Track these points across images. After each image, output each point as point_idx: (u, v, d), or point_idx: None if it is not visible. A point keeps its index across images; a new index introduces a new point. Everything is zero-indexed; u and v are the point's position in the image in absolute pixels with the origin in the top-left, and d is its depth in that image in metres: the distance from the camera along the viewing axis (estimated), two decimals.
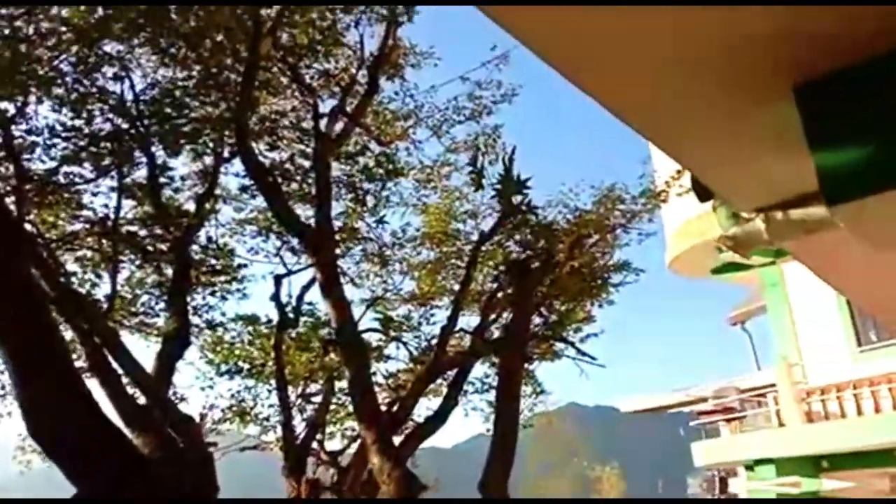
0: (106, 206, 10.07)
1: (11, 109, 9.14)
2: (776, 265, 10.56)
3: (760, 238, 3.74)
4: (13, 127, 9.01)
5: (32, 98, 9.19)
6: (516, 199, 7.88)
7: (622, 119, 2.92)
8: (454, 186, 11.91)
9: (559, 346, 11.75)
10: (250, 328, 10.87)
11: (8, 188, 8.92)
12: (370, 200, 10.82)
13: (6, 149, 8.71)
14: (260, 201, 10.65)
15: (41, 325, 4.75)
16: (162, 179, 9.62)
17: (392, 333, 11.40)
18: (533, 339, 10.36)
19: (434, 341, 11.46)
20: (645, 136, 3.28)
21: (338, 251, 9.97)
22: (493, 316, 10.54)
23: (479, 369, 11.58)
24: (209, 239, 10.09)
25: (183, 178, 10.65)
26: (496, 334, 10.98)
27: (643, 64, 2.58)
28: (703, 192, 3.83)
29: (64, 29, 8.98)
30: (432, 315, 11.81)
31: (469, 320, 11.21)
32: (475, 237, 10.80)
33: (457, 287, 11.84)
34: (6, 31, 8.79)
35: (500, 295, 10.22)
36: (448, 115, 11.21)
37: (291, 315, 10.05)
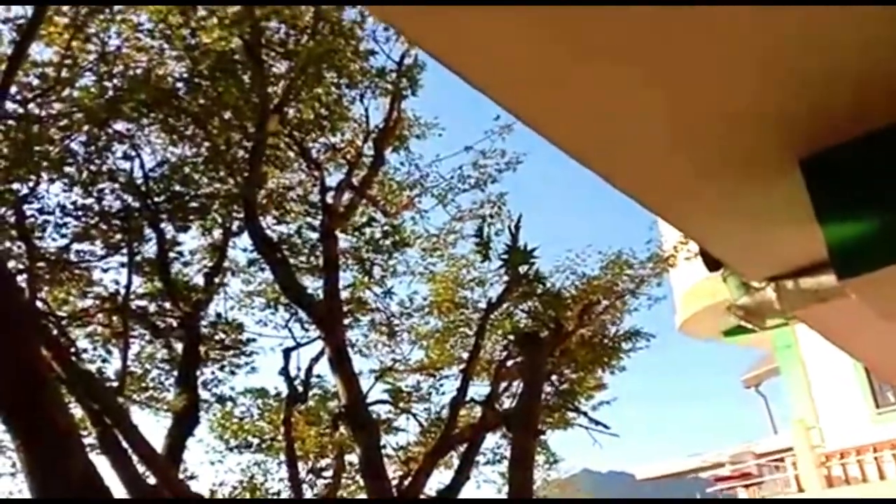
0: (116, 282, 10.16)
1: (24, 190, 9.32)
2: (789, 326, 10.47)
3: (772, 307, 3.71)
4: (25, 207, 9.17)
5: (45, 178, 9.39)
6: (523, 268, 7.92)
7: (627, 194, 2.95)
8: (460, 254, 11.99)
9: (571, 413, 11.56)
10: (259, 402, 10.76)
11: (20, 267, 9.00)
12: (377, 271, 10.87)
13: (19, 228, 8.83)
14: (268, 274, 10.70)
15: (48, 404, 4.71)
16: (171, 254, 9.72)
17: (402, 405, 11.25)
18: (545, 410, 10.20)
19: (444, 412, 11.29)
20: (651, 210, 3.30)
21: (346, 322, 9.95)
22: (503, 385, 10.41)
23: (491, 439, 11.39)
24: (218, 315, 10.11)
25: (192, 253, 10.78)
26: (507, 403, 10.83)
27: (647, 141, 2.63)
28: (711, 263, 3.83)
29: (75, 109, 9.24)
30: (441, 385, 11.69)
31: (478, 389, 11.09)
32: (483, 305, 10.78)
33: (466, 356, 11.77)
34: (20, 112, 9.04)
35: (509, 364, 10.12)
36: (453, 183, 11.37)
37: (301, 389, 9.96)
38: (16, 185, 9.12)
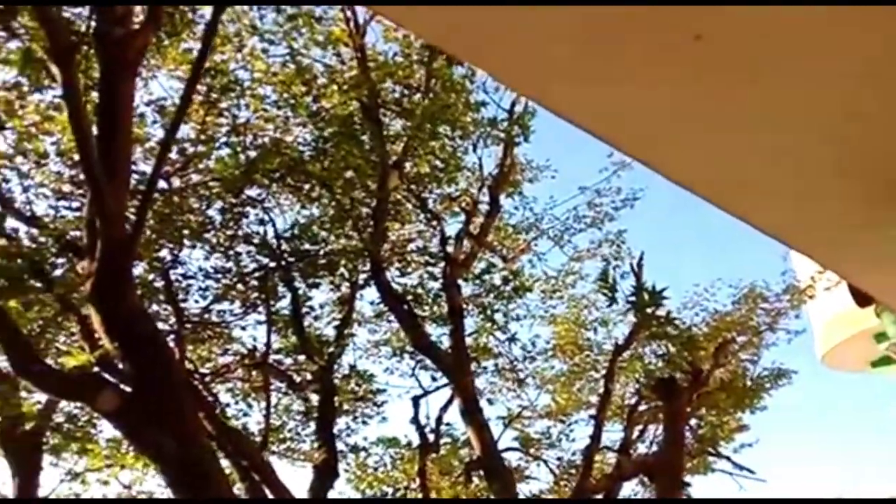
0: (253, 338, 10.78)
1: (169, 257, 10.14)
2: None
3: None
4: (171, 272, 9.96)
5: (187, 245, 10.17)
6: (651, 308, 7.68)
7: (767, 234, 2.82)
8: (580, 295, 11.80)
9: (711, 457, 10.94)
10: (392, 451, 10.94)
11: (168, 328, 9.74)
12: (498, 317, 10.89)
13: (166, 293, 9.58)
14: (393, 324, 10.98)
15: (204, 462, 5.01)
16: (303, 310, 10.20)
17: (532, 452, 11.08)
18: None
19: (576, 458, 11.01)
20: (797, 250, 3.13)
21: (472, 369, 10.00)
22: (637, 429, 10.04)
23: (627, 486, 10.95)
24: (352, 367, 10.45)
25: (321, 307, 11.27)
26: (640, 448, 10.43)
27: (791, 182, 2.52)
28: (862, 298, 3.58)
29: (210, 180, 9.99)
30: (571, 431, 11.42)
31: (610, 434, 10.75)
32: (608, 346, 10.51)
33: (594, 399, 11.46)
34: (163, 187, 9.88)
35: (641, 408, 9.76)
36: (569, 224, 11.30)
37: (432, 438, 10.05)
38: (162, 253, 9.94)
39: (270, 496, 5.59)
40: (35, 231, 8.09)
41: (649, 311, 7.34)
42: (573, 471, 10.75)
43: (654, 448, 10.62)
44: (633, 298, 7.57)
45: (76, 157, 8.39)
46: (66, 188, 8.56)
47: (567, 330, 11.39)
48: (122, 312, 5.00)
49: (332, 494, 9.25)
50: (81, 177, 8.44)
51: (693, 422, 10.16)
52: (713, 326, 9.58)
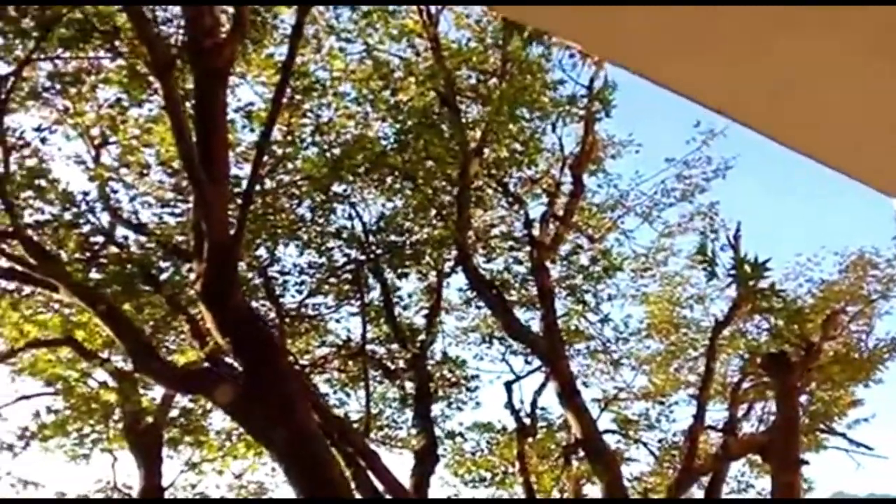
0: (347, 329, 11.09)
1: (265, 255, 10.54)
2: None
3: None
4: (269, 270, 10.36)
5: (281, 243, 10.55)
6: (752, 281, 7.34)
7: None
8: (673, 272, 11.47)
9: (823, 434, 10.45)
10: (486, 436, 11.02)
11: (270, 324, 10.16)
12: (588, 299, 10.74)
13: (266, 289, 9.97)
14: (481, 310, 11.03)
15: (316, 450, 5.19)
16: (393, 300, 10.41)
17: (631, 434, 10.92)
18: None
19: (677, 439, 10.77)
20: None
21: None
22: (742, 408, 9.71)
23: (734, 466, 10.60)
24: (444, 353, 10.58)
25: (409, 296, 11.46)
26: (745, 428, 10.08)
27: None
28: None
29: (299, 179, 10.29)
30: (671, 411, 11.16)
31: (713, 414, 10.42)
32: (706, 323, 10.20)
33: (693, 379, 11.14)
34: (257, 188, 10.25)
35: (744, 385, 9.43)
36: (656, 199, 11.00)
37: (528, 422, 10.06)
38: (259, 252, 10.34)
39: (376, 482, 5.77)
40: (142, 238, 8.58)
41: (752, 284, 7.03)
42: (675, 452, 10.51)
43: (761, 427, 10.25)
44: (732, 272, 7.27)
45: (175, 165, 8.88)
46: (168, 196, 9.03)
47: (661, 309, 11.11)
48: (231, 309, 5.25)
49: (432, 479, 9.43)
50: (183, 184, 8.93)
51: (802, 398, 9.71)
52: (820, 297, 9.10)
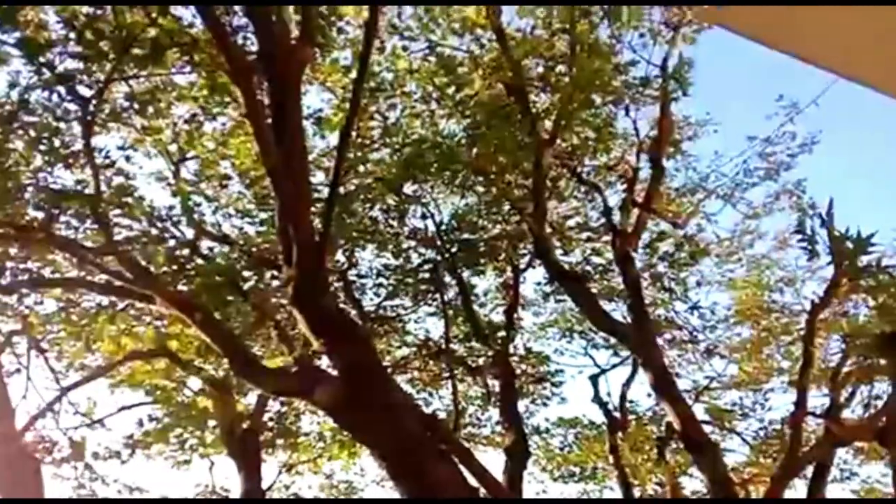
0: (426, 329, 11.09)
1: (342, 258, 10.63)
2: None
3: None
4: (348, 273, 10.45)
5: (358, 246, 10.62)
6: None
7: None
8: (759, 255, 10.98)
9: None
10: (574, 431, 10.83)
11: None
12: (673, 286, 10.39)
13: (346, 292, 10.06)
14: (560, 304, 10.83)
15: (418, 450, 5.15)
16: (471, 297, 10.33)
17: (726, 425, 10.51)
18: None
19: (772, 428, 10.32)
20: None
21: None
22: (844, 394, 9.19)
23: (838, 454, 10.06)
24: (527, 349, 10.44)
25: (485, 293, 11.36)
26: (845, 413, 9.51)
27: None
28: None
29: (370, 182, 10.32)
30: (767, 399, 10.68)
31: (811, 400, 9.89)
32: (798, 307, 9.71)
33: (786, 365, 10.65)
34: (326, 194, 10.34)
35: (845, 368, 8.91)
36: (739, 179, 10.53)
37: (618, 416, 9.82)
38: (337, 256, 10.44)
39: (471, 479, 5.68)
40: (226, 248, 8.77)
41: (854, 261, 6.58)
42: (773, 441, 10.06)
43: (865, 412, 9.68)
44: (829, 250, 6.84)
45: (253, 175, 9.04)
46: (248, 206, 9.21)
47: (749, 294, 10.65)
48: (323, 311, 5.26)
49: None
50: (261, 193, 9.10)
51: None
52: None
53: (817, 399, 9.98)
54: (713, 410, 10.61)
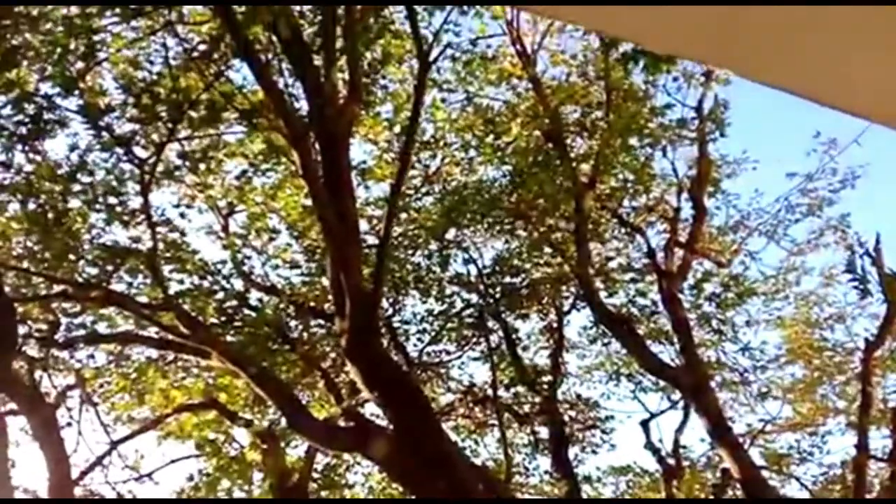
0: (470, 375, 11.03)
1: (387, 305, 10.71)
2: None
3: None
4: (393, 319, 10.51)
5: (401, 292, 10.70)
6: None
7: None
8: (807, 291, 10.79)
9: None
10: (625, 478, 10.57)
11: None
12: (721, 326, 10.23)
13: (391, 339, 10.11)
14: (606, 347, 10.71)
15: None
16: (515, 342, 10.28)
17: (783, 470, 10.17)
18: None
19: (832, 472, 9.97)
20: None
21: None
22: None
23: None
24: (578, 395, 10.32)
25: (528, 336, 11.29)
26: None
27: None
28: None
29: (413, 228, 10.46)
30: (825, 442, 10.34)
31: (872, 442, 9.56)
32: (851, 345, 9.48)
33: (841, 405, 10.34)
34: (375, 241, 10.48)
35: None
36: (781, 216, 10.44)
37: (672, 462, 9.57)
38: (383, 303, 10.51)
39: None
40: (275, 299, 8.93)
41: None
42: (834, 486, 9.70)
43: None
44: (880, 287, 6.73)
45: (300, 227, 9.25)
46: (296, 258, 9.40)
47: (798, 332, 10.43)
48: (375, 363, 5.32)
49: None
50: (306, 244, 9.30)
51: None
52: None
53: (877, 441, 9.66)
54: (770, 455, 10.29)
